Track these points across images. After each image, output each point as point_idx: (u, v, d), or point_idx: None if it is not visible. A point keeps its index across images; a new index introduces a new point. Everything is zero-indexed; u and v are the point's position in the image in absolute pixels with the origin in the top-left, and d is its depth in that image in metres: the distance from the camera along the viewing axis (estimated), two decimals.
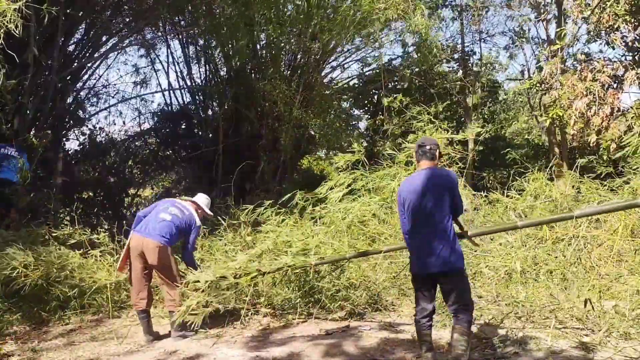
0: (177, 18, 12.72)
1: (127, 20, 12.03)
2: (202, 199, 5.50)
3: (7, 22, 5.83)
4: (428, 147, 3.67)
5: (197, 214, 5.26)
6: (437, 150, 3.69)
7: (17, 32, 5.91)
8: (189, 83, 13.75)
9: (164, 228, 4.90)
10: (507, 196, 6.74)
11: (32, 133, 9.00)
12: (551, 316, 4.61)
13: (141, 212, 5.24)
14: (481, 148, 11.50)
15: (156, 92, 17.13)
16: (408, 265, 5.12)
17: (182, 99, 14.12)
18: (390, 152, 7.52)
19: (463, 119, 14.99)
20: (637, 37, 8.61)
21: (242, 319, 5.21)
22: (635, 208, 5.43)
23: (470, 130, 11.50)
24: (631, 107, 8.62)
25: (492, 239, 6.11)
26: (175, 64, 13.99)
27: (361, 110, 16.49)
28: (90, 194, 12.72)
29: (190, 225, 5.12)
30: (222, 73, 13.35)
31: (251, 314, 5.36)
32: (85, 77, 12.62)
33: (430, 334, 3.59)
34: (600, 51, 10.08)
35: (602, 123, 7.82)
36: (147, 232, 4.88)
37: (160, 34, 13.20)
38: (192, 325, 4.62)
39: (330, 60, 13.63)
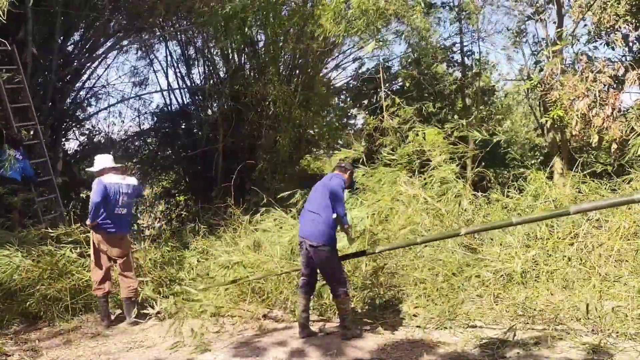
0: (174, 19, 12.70)
1: (125, 22, 12.01)
2: (107, 160, 5.56)
3: None
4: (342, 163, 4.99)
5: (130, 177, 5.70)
6: (349, 171, 4.86)
7: (3, 18, 5.87)
8: (188, 83, 13.75)
9: (127, 222, 5.55)
10: (507, 196, 6.74)
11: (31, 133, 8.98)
12: (551, 316, 4.61)
13: (101, 196, 5.31)
14: (480, 148, 11.48)
15: (155, 92, 17.09)
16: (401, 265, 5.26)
17: (182, 99, 14.13)
18: (389, 151, 7.54)
19: (462, 118, 14.94)
20: (638, 38, 8.60)
21: (242, 319, 5.22)
22: (633, 204, 5.43)
23: (466, 123, 11.49)
24: (631, 107, 8.61)
25: (492, 239, 6.11)
26: (174, 64, 13.98)
27: (359, 109, 16.46)
28: (89, 193, 12.70)
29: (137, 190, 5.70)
30: (220, 73, 13.36)
31: (251, 314, 5.35)
32: (85, 77, 12.63)
33: (303, 299, 4.64)
34: (597, 49, 10.00)
35: (603, 123, 7.82)
36: (115, 228, 5.37)
37: (158, 34, 13.19)
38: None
39: (328, 60, 13.65)
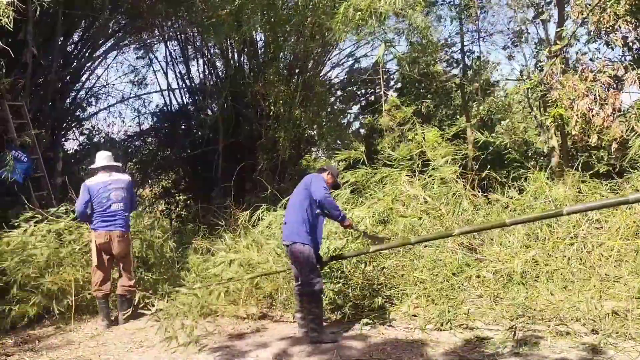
0: (173, 19, 12.70)
1: (124, 22, 12.01)
2: (100, 159, 5.63)
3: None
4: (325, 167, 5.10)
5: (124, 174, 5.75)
6: (328, 171, 4.94)
7: (10, 26, 5.90)
8: (187, 83, 13.75)
9: (124, 219, 5.46)
10: (507, 196, 6.73)
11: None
12: (551, 316, 4.61)
13: (84, 206, 5.41)
14: (480, 148, 11.49)
15: (155, 92, 17.10)
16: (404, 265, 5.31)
17: (182, 99, 14.13)
18: (389, 151, 7.54)
19: (461, 117, 14.94)
20: (638, 38, 8.59)
21: (241, 318, 5.22)
22: (628, 205, 5.43)
23: (466, 124, 11.49)
24: (631, 107, 8.60)
25: (492, 239, 6.10)
26: (174, 64, 13.97)
27: (358, 110, 16.49)
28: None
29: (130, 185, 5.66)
30: (220, 73, 13.35)
31: (250, 313, 5.35)
32: (85, 77, 12.63)
33: (297, 300, 4.77)
34: (598, 50, 10.00)
35: (603, 123, 7.80)
36: (114, 226, 5.37)
37: (157, 33, 13.19)
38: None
39: (330, 57, 13.66)
